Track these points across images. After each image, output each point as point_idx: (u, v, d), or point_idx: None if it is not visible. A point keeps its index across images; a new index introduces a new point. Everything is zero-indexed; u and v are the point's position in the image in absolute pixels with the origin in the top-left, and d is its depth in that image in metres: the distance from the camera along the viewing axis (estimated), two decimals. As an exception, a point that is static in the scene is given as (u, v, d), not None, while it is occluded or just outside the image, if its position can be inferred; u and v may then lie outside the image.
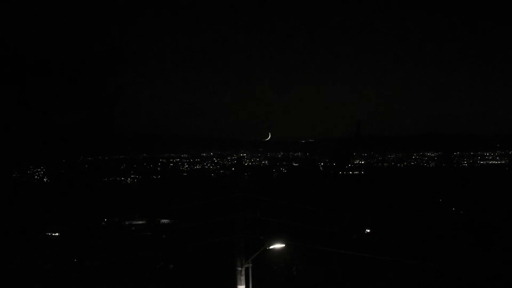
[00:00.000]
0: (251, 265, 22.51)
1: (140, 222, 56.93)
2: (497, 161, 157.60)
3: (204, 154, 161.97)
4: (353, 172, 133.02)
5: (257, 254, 22.36)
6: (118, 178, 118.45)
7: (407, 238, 43.35)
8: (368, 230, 50.93)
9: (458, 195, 74.15)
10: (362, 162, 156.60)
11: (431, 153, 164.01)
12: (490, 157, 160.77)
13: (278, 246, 23.07)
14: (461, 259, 37.76)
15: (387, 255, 30.87)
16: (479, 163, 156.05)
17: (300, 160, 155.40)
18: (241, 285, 22.24)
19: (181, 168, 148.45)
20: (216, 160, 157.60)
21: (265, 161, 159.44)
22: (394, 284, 34.67)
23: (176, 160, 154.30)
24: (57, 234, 45.05)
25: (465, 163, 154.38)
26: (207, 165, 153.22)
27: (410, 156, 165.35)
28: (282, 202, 29.28)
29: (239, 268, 22.03)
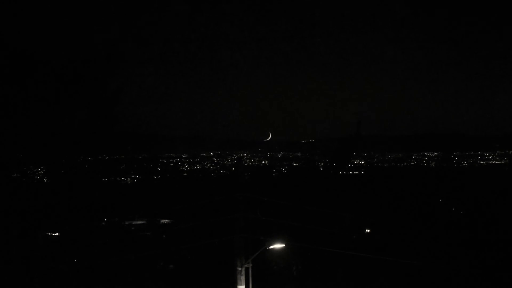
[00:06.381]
0: (251, 265, 22.51)
1: (140, 222, 56.89)
2: (497, 161, 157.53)
3: (204, 154, 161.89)
4: (353, 172, 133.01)
5: (257, 254, 22.37)
6: (118, 178, 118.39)
7: (407, 238, 43.35)
8: (368, 230, 50.94)
9: (458, 195, 74.11)
10: (362, 162, 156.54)
11: (431, 153, 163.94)
12: (490, 157, 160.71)
13: (278, 246, 23.08)
14: (461, 259, 37.77)
15: (387, 255, 30.89)
16: (479, 163, 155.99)
17: (300, 160, 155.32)
18: (241, 285, 22.24)
19: (181, 168, 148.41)
20: (216, 160, 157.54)
21: (265, 161, 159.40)
22: (394, 284, 34.67)
23: (176, 160, 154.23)
24: (57, 234, 45.01)
25: (465, 163, 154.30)
26: (207, 165, 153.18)
27: (410, 156, 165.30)
28: (282, 202, 29.29)
29: (239, 268, 22.03)
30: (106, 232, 47.68)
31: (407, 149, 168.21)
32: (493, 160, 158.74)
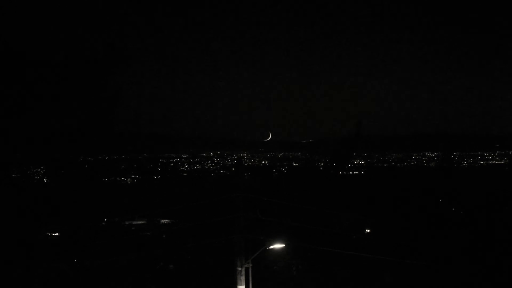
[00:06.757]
0: (251, 265, 22.52)
1: (140, 222, 56.81)
2: (497, 161, 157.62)
3: (204, 154, 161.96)
4: (353, 172, 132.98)
5: (257, 254, 22.37)
6: (118, 178, 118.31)
7: (407, 238, 43.31)
8: (368, 230, 50.92)
9: (458, 195, 74.01)
10: (362, 162, 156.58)
11: (431, 153, 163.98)
12: (490, 157, 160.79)
13: (278, 246, 23.10)
14: (461, 259, 37.76)
15: (387, 255, 30.90)
16: (479, 163, 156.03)
17: (300, 160, 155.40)
18: (241, 285, 22.24)
19: (181, 168, 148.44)
20: (216, 160, 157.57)
21: (265, 161, 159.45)
22: (394, 284, 34.67)
23: (176, 160, 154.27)
24: (57, 234, 44.94)
25: (465, 163, 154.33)
26: (207, 165, 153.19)
27: (410, 156, 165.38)
28: (282, 202, 29.31)
29: (239, 268, 22.04)
30: (106, 232, 47.59)
31: (407, 149, 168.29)
32: (493, 160, 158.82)
